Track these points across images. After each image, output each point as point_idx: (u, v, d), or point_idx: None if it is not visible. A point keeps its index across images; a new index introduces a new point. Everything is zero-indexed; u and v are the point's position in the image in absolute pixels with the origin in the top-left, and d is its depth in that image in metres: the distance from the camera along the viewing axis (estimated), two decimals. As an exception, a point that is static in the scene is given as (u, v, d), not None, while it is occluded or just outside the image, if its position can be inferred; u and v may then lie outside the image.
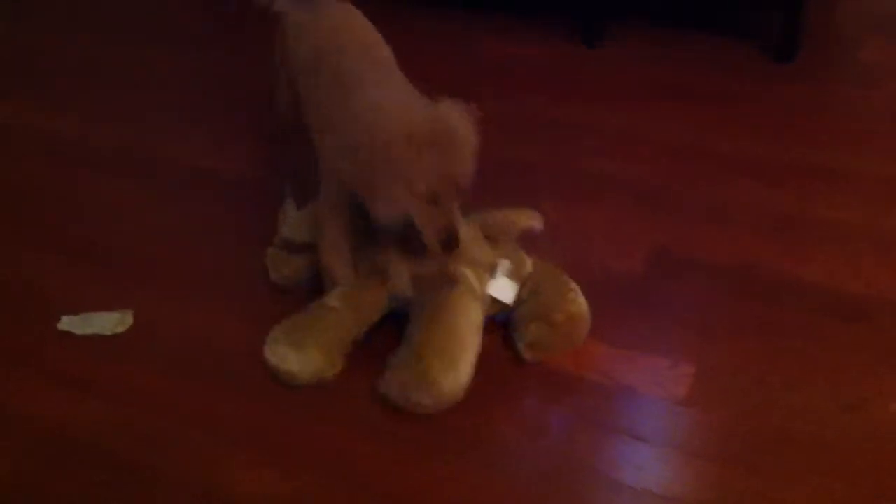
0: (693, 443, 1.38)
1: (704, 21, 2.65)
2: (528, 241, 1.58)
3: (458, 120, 1.35)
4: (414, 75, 1.56)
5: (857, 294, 1.61)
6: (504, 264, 1.49)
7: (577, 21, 2.61)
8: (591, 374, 1.49)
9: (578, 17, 2.61)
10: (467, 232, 1.45)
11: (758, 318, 1.57)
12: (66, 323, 1.66)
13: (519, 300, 1.51)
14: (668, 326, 1.58)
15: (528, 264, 1.55)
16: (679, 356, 1.51)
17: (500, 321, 1.54)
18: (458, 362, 1.40)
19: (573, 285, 1.53)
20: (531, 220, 1.57)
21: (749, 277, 1.67)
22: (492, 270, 1.49)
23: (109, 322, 1.65)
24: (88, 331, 1.64)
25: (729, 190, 1.91)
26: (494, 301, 1.49)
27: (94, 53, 2.75)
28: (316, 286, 1.59)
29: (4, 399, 1.54)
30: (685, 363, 1.50)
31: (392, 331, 1.53)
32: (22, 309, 1.73)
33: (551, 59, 2.54)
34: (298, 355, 1.48)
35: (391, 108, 1.36)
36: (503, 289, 1.48)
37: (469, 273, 1.45)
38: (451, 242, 1.36)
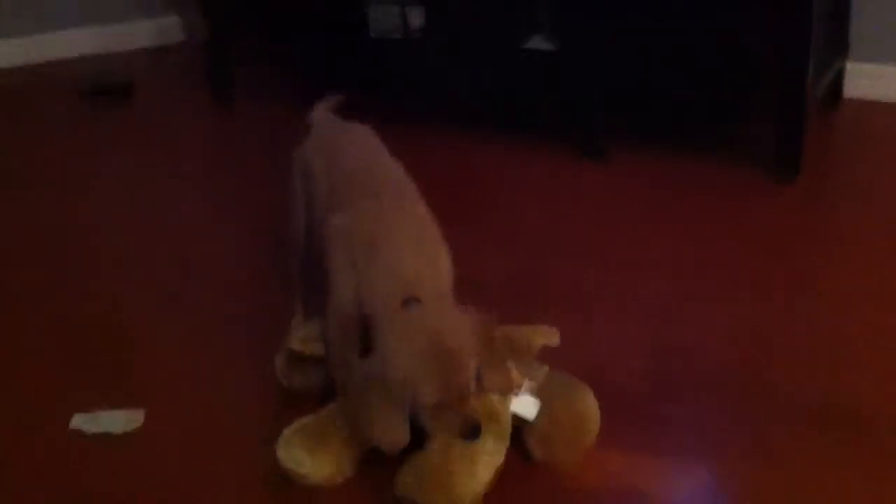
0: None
1: (706, 137, 2.71)
2: (542, 353, 1.61)
3: (466, 336, 1.41)
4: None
5: (856, 408, 1.64)
6: (528, 382, 1.51)
7: (579, 139, 2.68)
8: (602, 482, 1.50)
9: (579, 134, 2.68)
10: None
11: (762, 432, 1.61)
12: (77, 421, 1.65)
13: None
14: (681, 435, 1.61)
15: (544, 373, 1.56)
16: (693, 465, 1.53)
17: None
18: (479, 472, 1.42)
19: (584, 387, 1.56)
20: (549, 337, 1.61)
21: (749, 391, 1.71)
22: (516, 388, 1.50)
23: (120, 421, 1.64)
24: (98, 430, 1.63)
25: (730, 306, 1.97)
26: (517, 415, 1.50)
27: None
28: (328, 391, 1.60)
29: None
30: (699, 471, 1.51)
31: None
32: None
33: (552, 177, 2.59)
34: (311, 459, 1.48)
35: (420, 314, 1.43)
36: (527, 406, 1.49)
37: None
38: (472, 434, 1.40)
